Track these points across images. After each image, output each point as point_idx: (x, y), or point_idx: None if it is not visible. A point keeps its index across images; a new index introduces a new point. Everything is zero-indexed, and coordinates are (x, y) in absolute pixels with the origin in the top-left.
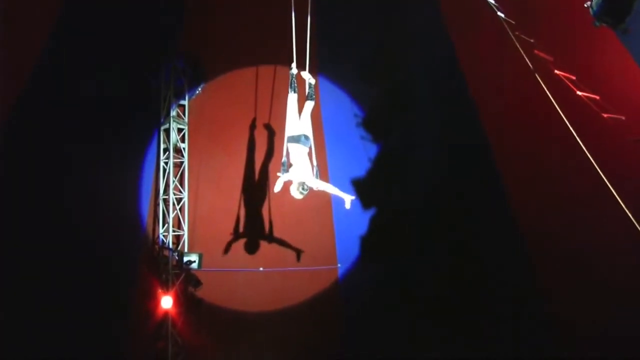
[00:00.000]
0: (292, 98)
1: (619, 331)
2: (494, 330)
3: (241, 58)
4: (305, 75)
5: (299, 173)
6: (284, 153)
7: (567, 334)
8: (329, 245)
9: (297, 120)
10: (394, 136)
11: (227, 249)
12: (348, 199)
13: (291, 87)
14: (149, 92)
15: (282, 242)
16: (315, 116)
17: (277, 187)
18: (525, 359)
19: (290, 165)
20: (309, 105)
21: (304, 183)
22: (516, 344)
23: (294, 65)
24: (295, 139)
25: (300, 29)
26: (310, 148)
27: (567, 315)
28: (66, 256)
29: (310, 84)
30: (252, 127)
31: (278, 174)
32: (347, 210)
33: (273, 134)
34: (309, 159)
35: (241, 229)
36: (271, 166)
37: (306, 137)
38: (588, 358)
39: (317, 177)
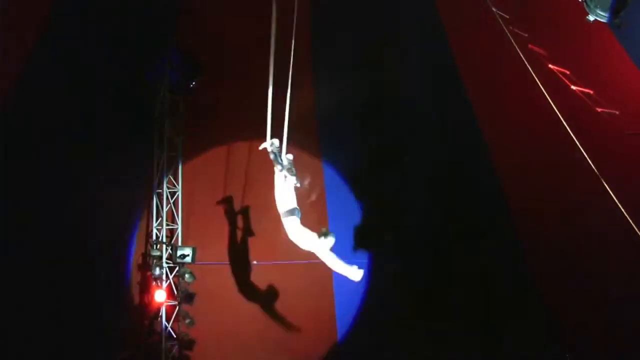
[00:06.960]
0: (280, 175)
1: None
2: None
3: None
4: (284, 155)
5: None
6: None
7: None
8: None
9: (287, 195)
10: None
11: None
12: (354, 274)
13: (278, 163)
14: (144, 90)
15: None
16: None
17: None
18: None
19: None
20: (292, 180)
21: None
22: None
23: (275, 140)
24: (290, 212)
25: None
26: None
27: (567, 317)
28: (59, 250)
29: (289, 160)
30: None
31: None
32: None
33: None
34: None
35: None
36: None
37: (298, 210)
38: None
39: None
